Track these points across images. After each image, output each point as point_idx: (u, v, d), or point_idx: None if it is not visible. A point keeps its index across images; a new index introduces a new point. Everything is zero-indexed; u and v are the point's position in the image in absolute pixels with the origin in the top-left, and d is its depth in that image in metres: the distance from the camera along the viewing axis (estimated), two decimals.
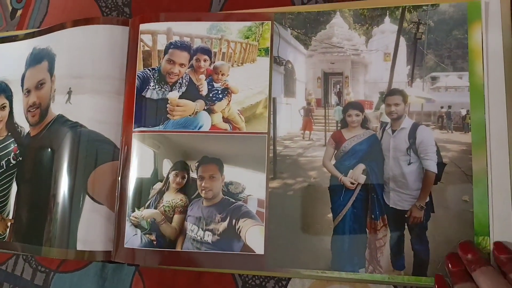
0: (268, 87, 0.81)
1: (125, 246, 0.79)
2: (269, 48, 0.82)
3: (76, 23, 0.88)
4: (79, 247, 0.80)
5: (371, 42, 0.80)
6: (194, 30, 0.85)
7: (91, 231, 0.81)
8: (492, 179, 0.71)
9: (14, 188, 0.89)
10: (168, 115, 0.82)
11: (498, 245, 0.69)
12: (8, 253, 0.91)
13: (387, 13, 0.79)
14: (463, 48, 0.75)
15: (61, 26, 0.90)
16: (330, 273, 0.74)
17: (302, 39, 0.83)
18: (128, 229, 0.80)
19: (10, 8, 1.03)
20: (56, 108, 0.87)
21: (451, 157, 0.73)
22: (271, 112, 0.80)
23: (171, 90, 0.83)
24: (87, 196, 0.81)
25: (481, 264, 0.66)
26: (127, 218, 0.80)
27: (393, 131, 0.77)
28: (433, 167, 0.74)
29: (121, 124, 0.84)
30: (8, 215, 0.88)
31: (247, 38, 0.83)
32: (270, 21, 0.83)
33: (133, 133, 0.82)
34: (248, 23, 0.84)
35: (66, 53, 0.88)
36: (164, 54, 0.84)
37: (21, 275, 0.90)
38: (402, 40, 0.79)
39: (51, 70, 0.89)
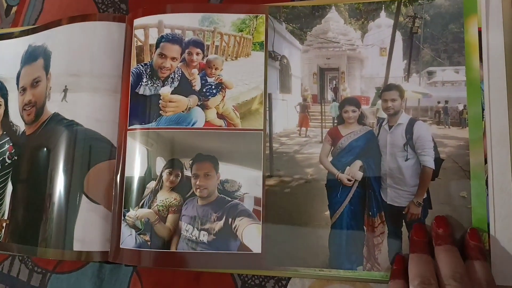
0: (264, 82, 0.80)
1: (120, 246, 0.78)
2: (264, 42, 0.81)
3: (72, 20, 0.88)
4: (76, 247, 0.80)
5: (367, 37, 0.79)
6: (186, 22, 0.83)
7: (88, 231, 0.80)
8: (493, 174, 0.70)
9: (9, 188, 0.88)
10: (160, 112, 0.81)
11: (473, 231, 0.69)
12: (4, 254, 0.90)
13: (383, 7, 0.78)
14: (459, 42, 0.74)
15: (56, 23, 0.89)
16: (328, 271, 0.74)
17: (297, 34, 0.82)
18: (124, 229, 0.79)
19: (5, 5, 1.03)
20: (52, 107, 0.86)
21: (448, 152, 0.72)
22: (267, 108, 0.79)
23: (163, 86, 0.82)
24: (83, 196, 0.81)
25: (447, 241, 0.67)
26: (122, 218, 0.79)
27: (390, 127, 0.76)
28: (430, 163, 0.73)
29: (117, 122, 0.83)
30: (3, 215, 0.87)
31: (241, 31, 0.82)
32: (264, 15, 0.82)
33: (127, 131, 0.81)
34: (242, 16, 0.83)
35: (62, 51, 0.87)
36: (156, 48, 0.83)
37: (17, 276, 0.89)
38: (398, 35, 0.78)
39: (46, 68, 0.88)
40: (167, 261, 0.77)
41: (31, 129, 0.88)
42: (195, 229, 0.77)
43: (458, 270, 0.63)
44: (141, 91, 0.82)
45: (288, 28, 0.82)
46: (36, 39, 0.91)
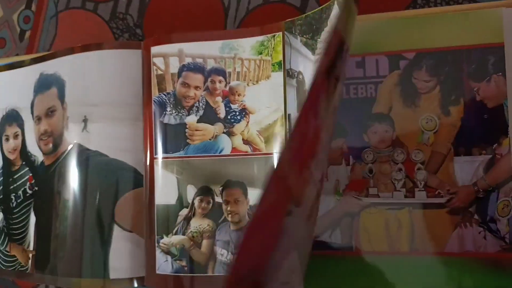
0: (283, 103, 0.80)
1: (157, 272, 0.80)
2: (282, 61, 0.81)
3: (85, 48, 0.87)
4: (112, 275, 0.81)
5: None
6: (206, 50, 0.83)
7: (123, 259, 0.82)
8: None
9: (32, 218, 0.89)
10: (187, 140, 0.82)
11: None
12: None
13: None
14: None
15: (69, 51, 0.88)
16: None
17: (310, 44, 0.81)
18: (159, 255, 0.80)
19: (18, 29, 1.01)
20: (72, 137, 0.86)
21: None
22: (287, 130, 0.79)
23: (188, 114, 0.82)
24: (115, 225, 0.82)
25: None
26: (156, 244, 0.81)
27: None
28: None
29: (142, 150, 0.83)
30: (28, 246, 0.88)
31: (260, 53, 0.82)
32: (281, 32, 0.82)
33: (154, 160, 0.82)
34: (260, 38, 0.83)
35: (77, 79, 0.87)
36: (178, 77, 0.83)
37: None
38: None
39: (61, 97, 0.88)
40: (204, 285, 0.79)
41: (50, 160, 0.88)
42: (230, 253, 0.78)
43: None
44: (165, 120, 0.82)
45: (302, 41, 0.81)
46: (47, 67, 0.90)
